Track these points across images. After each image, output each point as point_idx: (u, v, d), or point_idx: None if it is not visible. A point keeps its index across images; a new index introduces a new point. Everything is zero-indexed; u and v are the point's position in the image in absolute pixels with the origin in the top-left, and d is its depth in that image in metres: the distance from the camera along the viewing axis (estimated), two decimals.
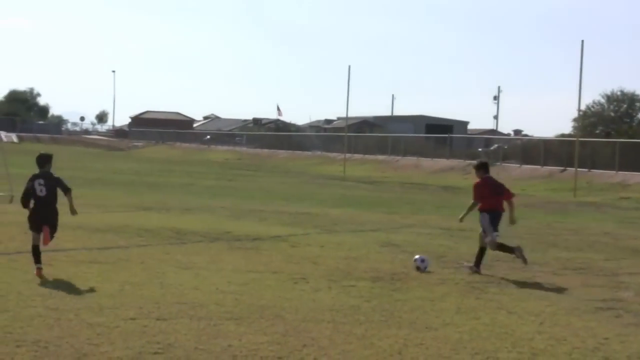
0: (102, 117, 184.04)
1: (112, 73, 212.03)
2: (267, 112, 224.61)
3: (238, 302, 12.20)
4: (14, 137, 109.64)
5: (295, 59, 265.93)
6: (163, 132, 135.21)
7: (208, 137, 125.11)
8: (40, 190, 13.99)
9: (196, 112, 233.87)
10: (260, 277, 14.60)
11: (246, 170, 67.21)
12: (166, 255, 16.74)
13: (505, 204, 16.67)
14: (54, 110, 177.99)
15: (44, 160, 14.35)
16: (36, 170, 14.21)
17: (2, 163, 26.74)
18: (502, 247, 16.45)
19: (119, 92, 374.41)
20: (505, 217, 16.63)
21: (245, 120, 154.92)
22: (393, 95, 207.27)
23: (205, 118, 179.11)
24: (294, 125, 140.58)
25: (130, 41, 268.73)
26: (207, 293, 12.77)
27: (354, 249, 19.04)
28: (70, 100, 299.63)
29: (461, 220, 17.14)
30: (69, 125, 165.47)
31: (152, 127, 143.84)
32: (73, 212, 14.32)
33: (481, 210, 16.43)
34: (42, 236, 13.88)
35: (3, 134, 68.81)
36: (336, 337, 10.35)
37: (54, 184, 14.16)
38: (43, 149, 22.06)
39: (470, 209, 16.77)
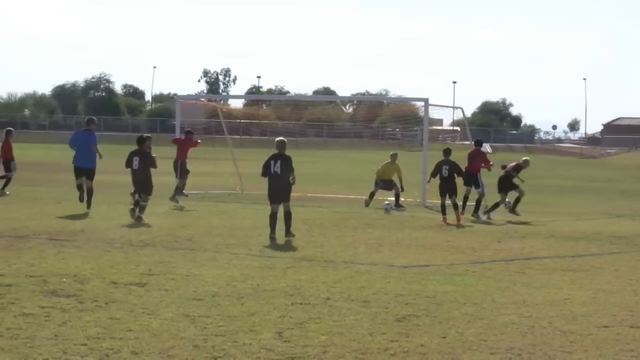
0: (574, 126, 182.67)
1: (583, 81, 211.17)
2: None
3: None
4: (487, 147, 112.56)
5: None
6: (636, 139, 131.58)
7: None
8: (445, 172, 22.68)
9: None
10: None
11: None
12: None
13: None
14: (527, 120, 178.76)
15: (449, 152, 22.99)
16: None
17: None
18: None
19: (591, 100, 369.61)
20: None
21: None
22: None
23: None
24: None
25: (601, 47, 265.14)
26: None
27: None
28: (542, 109, 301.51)
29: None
30: (542, 135, 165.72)
31: (625, 134, 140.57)
32: None
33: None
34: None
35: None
36: None
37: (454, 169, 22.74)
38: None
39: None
